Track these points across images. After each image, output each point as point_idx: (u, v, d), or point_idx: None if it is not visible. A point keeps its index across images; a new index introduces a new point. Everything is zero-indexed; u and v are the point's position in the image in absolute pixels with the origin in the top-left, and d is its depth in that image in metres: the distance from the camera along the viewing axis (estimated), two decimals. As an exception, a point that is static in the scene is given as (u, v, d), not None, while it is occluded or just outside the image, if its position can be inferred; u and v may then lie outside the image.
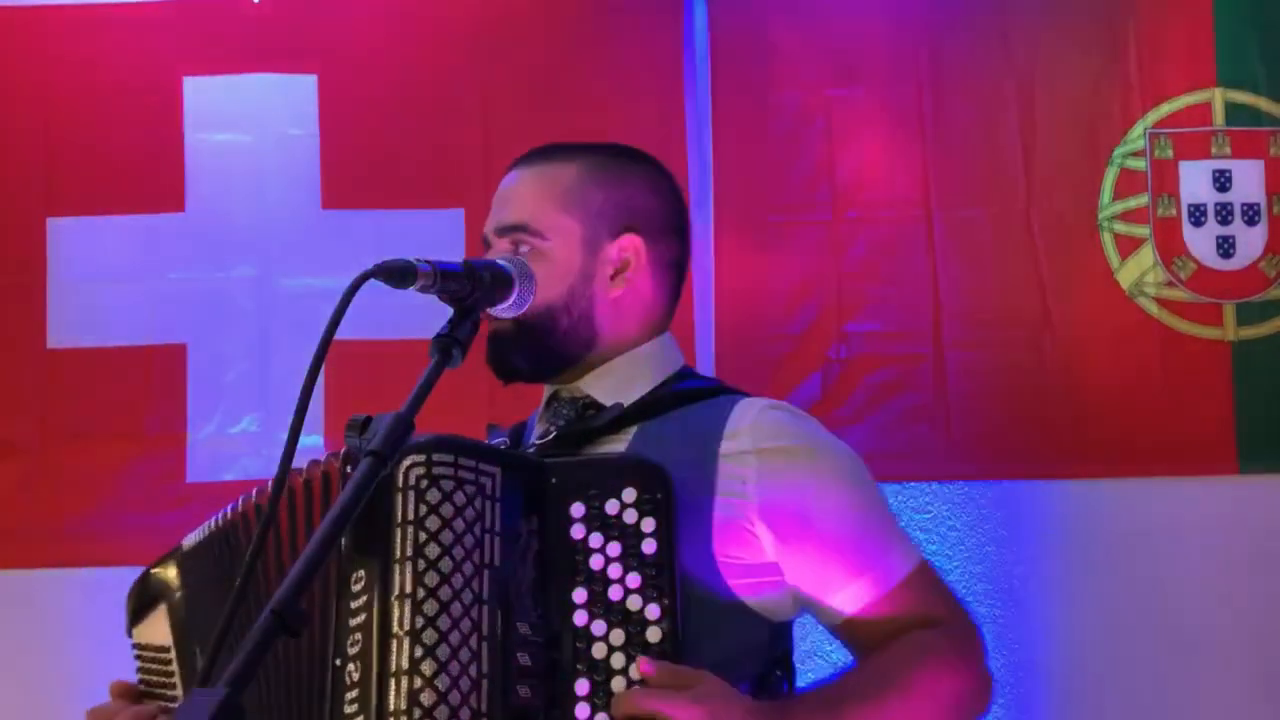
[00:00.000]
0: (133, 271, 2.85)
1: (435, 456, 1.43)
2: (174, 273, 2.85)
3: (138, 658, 1.74)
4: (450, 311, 1.46)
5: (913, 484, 2.76)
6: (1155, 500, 2.73)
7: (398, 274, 1.39)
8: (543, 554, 1.49)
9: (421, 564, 1.40)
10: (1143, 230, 2.78)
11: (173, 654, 1.69)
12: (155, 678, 1.71)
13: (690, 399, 1.69)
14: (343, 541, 1.44)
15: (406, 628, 1.39)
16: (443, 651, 1.38)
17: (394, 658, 1.38)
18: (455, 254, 1.60)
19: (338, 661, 1.43)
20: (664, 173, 1.80)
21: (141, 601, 1.74)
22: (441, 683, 1.37)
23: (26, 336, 2.83)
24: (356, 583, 1.44)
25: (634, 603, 1.46)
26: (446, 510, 1.42)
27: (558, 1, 2.89)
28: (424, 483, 1.43)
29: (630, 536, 1.48)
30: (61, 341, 2.84)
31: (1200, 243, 2.78)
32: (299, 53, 2.87)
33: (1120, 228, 2.79)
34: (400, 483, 1.43)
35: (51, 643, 2.49)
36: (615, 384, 1.71)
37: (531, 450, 1.65)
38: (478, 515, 1.45)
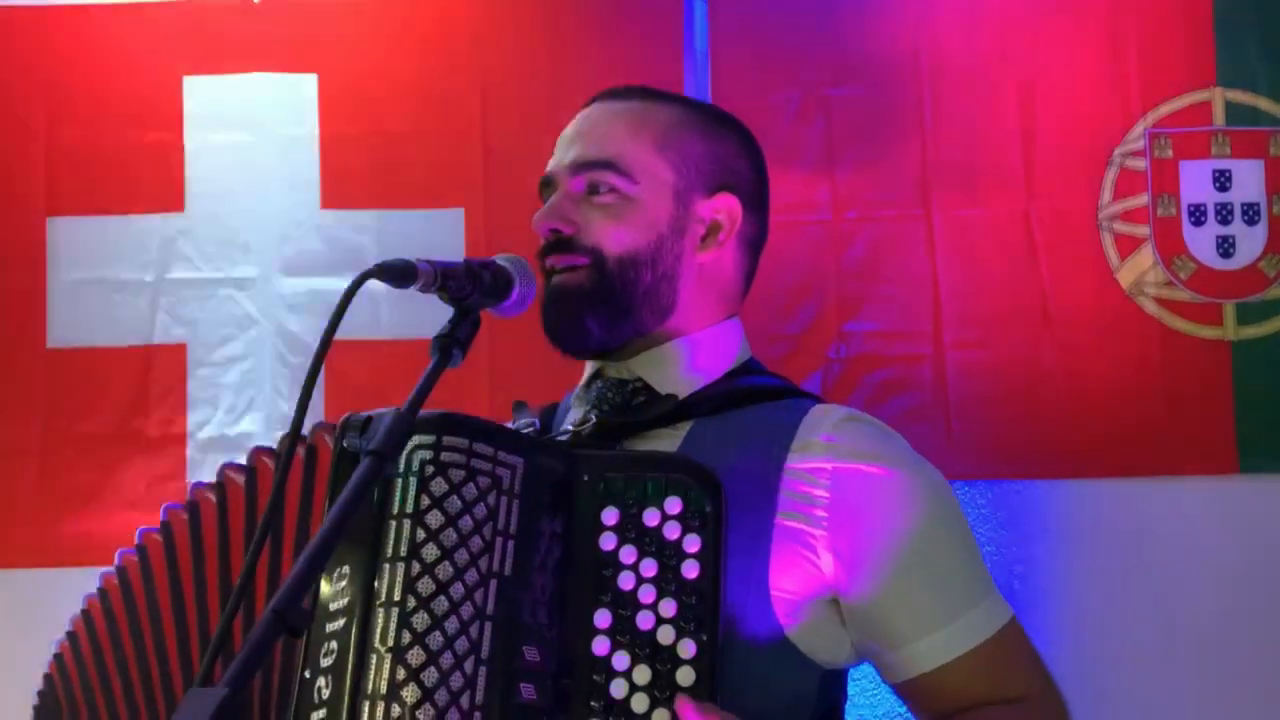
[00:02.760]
0: (133, 271, 2.85)
1: (446, 440, 1.25)
2: (174, 273, 2.86)
3: None
4: (451, 311, 1.37)
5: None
6: (1155, 500, 2.73)
7: (398, 274, 1.29)
8: (564, 563, 1.29)
9: (416, 567, 1.22)
10: (1143, 230, 2.78)
11: None
12: None
13: (756, 398, 1.49)
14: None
15: (390, 643, 1.20)
16: (430, 676, 1.19)
17: (372, 678, 1.20)
18: (455, 254, 1.55)
19: (307, 673, 1.24)
20: (756, 141, 1.62)
21: None
22: (425, 714, 1.18)
23: (26, 336, 2.83)
24: (339, 579, 1.25)
25: (666, 635, 1.26)
26: (453, 505, 1.23)
27: (558, 2, 2.90)
28: (429, 469, 1.24)
29: (670, 555, 1.27)
30: (61, 341, 2.84)
31: (1200, 242, 2.78)
32: (299, 53, 2.87)
33: (1120, 227, 2.79)
34: (401, 466, 1.24)
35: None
36: (674, 368, 1.50)
37: (565, 438, 1.45)
38: (490, 514, 1.25)
